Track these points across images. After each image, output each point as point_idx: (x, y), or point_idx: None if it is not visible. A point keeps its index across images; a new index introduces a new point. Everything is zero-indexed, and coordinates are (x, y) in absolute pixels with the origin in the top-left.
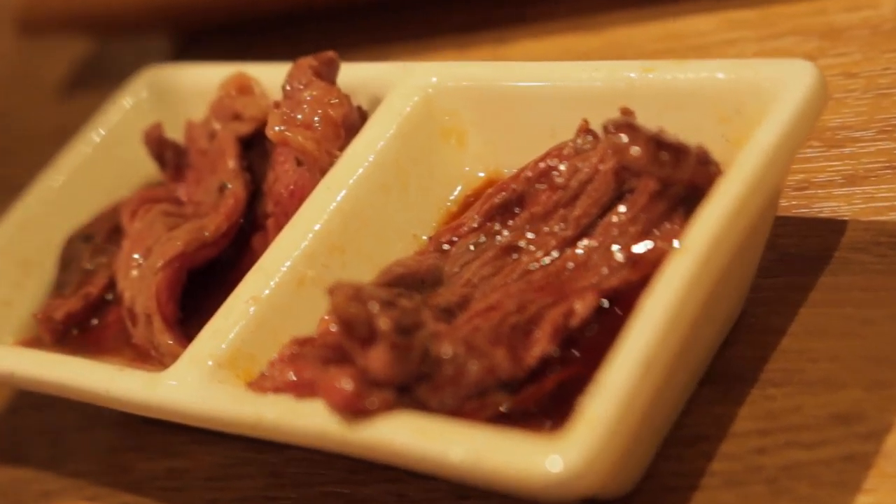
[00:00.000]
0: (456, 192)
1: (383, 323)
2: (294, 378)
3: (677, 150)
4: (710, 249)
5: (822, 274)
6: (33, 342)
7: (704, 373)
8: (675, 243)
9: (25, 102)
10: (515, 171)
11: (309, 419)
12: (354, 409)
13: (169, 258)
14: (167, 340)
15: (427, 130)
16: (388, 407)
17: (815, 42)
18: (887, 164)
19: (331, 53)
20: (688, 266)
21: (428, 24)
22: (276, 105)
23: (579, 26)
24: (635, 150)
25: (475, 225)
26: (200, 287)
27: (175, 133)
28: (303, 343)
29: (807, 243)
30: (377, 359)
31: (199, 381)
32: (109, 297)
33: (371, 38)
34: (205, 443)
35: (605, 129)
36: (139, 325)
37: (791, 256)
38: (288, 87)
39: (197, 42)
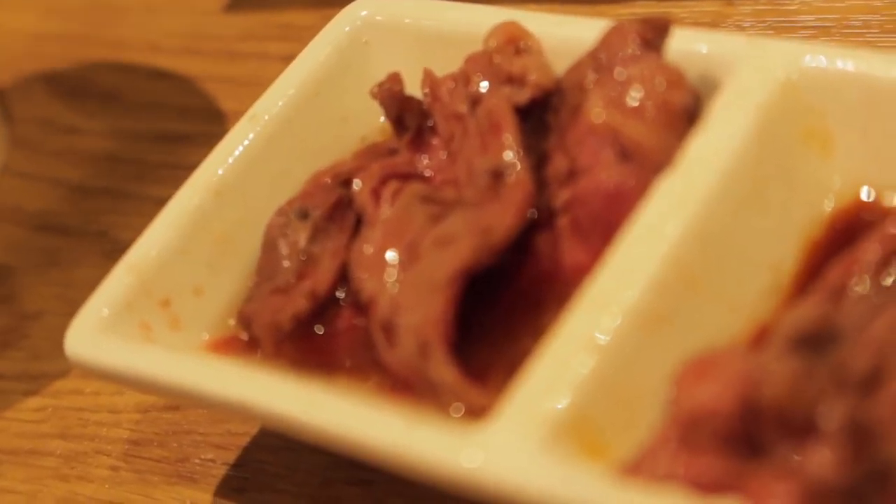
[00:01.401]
0: (822, 214)
1: (833, 417)
2: (692, 472)
3: None
4: None
5: None
6: (231, 343)
7: None
8: None
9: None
10: None
11: None
12: None
13: (453, 271)
14: (450, 377)
15: (788, 130)
16: None
17: None
18: None
19: (664, 17)
20: None
21: None
22: (597, 81)
23: None
24: None
25: (874, 266)
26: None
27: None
28: (692, 424)
29: None
30: (826, 462)
31: (543, 456)
32: (340, 294)
33: None
34: None
35: None
36: (403, 347)
37: None
38: (604, 57)
39: None
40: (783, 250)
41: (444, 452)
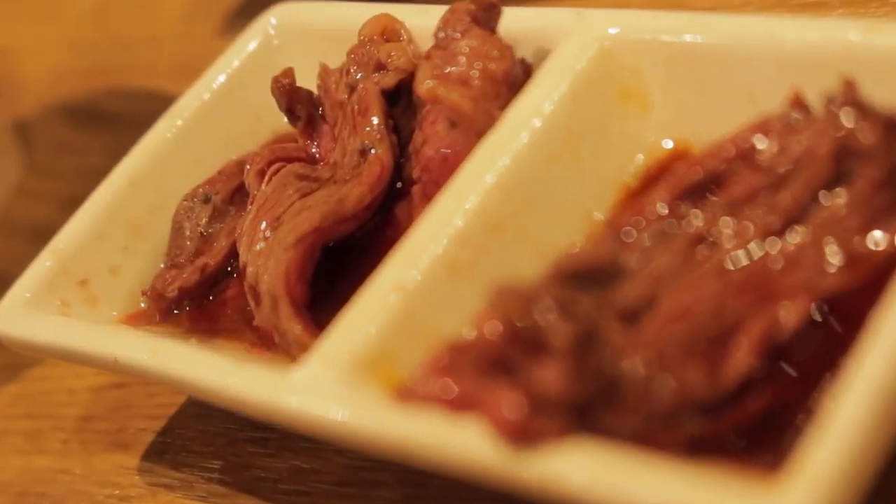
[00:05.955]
0: (636, 165)
1: (560, 336)
2: (448, 392)
3: None
4: None
5: None
6: (140, 317)
7: None
8: None
9: (195, 31)
10: (706, 142)
11: (466, 444)
12: (523, 437)
13: (302, 233)
14: (295, 328)
15: (604, 91)
16: (561, 434)
17: None
18: None
19: None
20: None
21: None
22: (428, 56)
23: None
24: (866, 134)
25: (662, 208)
26: (332, 262)
27: (305, 80)
28: (460, 350)
29: None
30: (551, 377)
31: (334, 385)
32: (229, 268)
33: None
34: None
35: (828, 104)
36: (263, 306)
37: None
38: (441, 35)
39: None
40: (597, 199)
41: (264, 391)
